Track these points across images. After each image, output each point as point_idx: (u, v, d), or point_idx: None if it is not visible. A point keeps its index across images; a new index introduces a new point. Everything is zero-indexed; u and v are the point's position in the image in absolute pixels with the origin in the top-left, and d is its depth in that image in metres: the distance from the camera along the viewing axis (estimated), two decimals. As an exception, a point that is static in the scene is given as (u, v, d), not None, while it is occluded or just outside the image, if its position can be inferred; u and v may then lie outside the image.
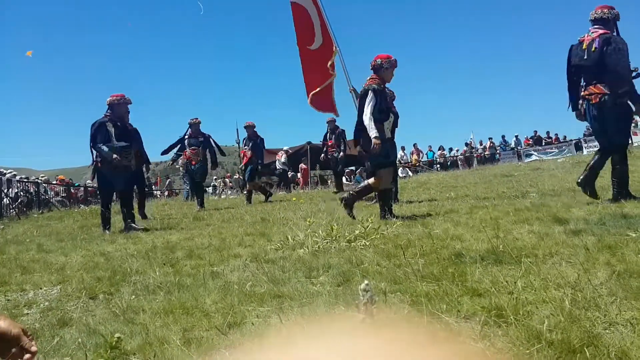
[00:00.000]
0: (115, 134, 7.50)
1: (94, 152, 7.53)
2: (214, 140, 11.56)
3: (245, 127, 12.38)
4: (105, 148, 7.39)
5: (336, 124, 13.22)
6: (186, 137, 11.20)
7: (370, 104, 6.22)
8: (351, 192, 6.75)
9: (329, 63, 9.99)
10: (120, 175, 7.60)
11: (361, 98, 6.43)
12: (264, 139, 12.56)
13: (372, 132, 6.17)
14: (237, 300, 3.05)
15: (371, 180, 6.48)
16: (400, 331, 0.57)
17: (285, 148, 23.81)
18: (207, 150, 11.39)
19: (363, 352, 0.52)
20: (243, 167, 12.50)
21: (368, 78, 6.54)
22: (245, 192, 12.68)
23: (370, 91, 6.29)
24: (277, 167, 21.91)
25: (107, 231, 7.46)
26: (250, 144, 12.17)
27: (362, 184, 6.89)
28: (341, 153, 13.20)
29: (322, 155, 13.85)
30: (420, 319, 2.43)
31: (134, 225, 7.52)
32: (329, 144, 13.37)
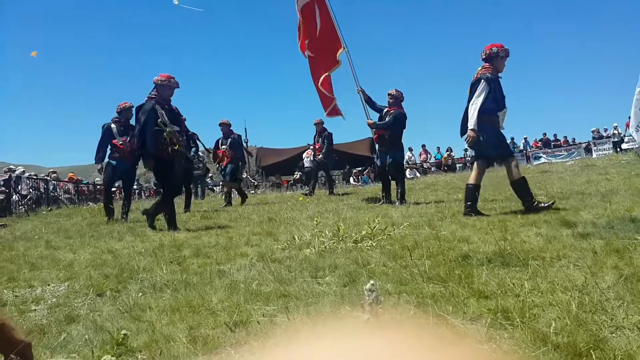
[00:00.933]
0: (167, 117, 6.88)
1: (147, 138, 6.66)
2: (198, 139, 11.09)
3: (219, 125, 11.88)
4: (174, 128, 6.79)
5: (324, 126, 12.97)
6: None
7: (482, 93, 6.04)
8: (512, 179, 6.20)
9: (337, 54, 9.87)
10: (181, 165, 7.05)
11: (472, 87, 6.23)
12: (241, 136, 12.30)
13: (471, 122, 6.02)
14: (244, 299, 3.06)
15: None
16: (406, 332, 0.58)
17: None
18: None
19: (368, 352, 0.52)
20: (221, 168, 11.89)
21: (480, 68, 6.31)
22: (226, 193, 12.27)
23: (483, 80, 6.09)
24: (305, 165, 21.98)
25: (175, 231, 6.64)
26: (228, 142, 11.75)
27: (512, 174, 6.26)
28: (319, 156, 12.87)
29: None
30: (426, 320, 2.43)
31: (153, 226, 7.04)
32: (317, 146, 13.12)
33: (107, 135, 9.23)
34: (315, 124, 13.05)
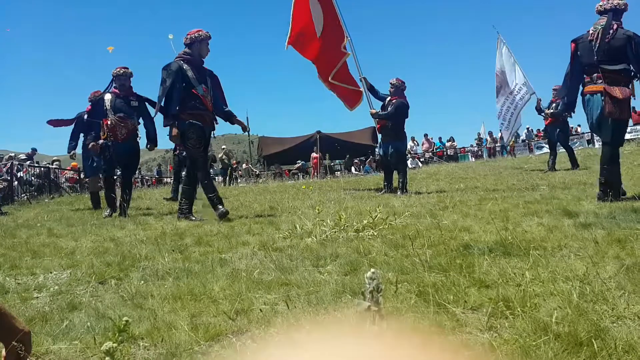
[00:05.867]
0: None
1: None
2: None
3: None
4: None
5: None
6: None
7: None
8: None
9: (342, 45, 9.70)
10: None
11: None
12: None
13: None
14: (245, 288, 3.06)
15: None
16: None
17: None
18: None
19: (368, 342, 0.52)
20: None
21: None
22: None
23: None
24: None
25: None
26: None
27: None
28: (177, 151, 10.78)
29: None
30: (427, 309, 2.43)
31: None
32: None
33: (96, 111, 7.57)
34: None
